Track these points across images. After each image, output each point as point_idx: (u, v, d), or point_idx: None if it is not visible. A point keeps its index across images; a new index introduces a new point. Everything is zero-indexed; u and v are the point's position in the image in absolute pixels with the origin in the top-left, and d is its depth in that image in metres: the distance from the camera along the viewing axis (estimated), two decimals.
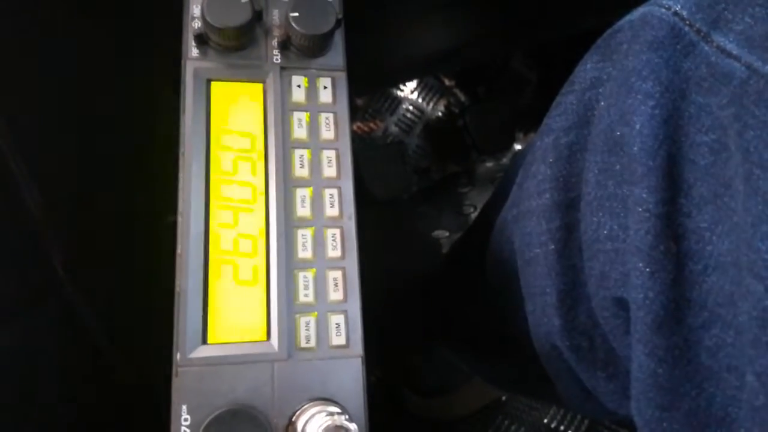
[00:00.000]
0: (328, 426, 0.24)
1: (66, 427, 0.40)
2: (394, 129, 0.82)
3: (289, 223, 0.28)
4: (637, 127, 0.25)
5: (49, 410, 0.38)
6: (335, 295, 0.28)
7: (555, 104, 0.32)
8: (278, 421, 0.25)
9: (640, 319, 0.25)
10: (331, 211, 0.29)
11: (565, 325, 0.31)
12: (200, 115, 0.28)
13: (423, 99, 0.83)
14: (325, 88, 0.31)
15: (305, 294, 0.27)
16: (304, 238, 0.28)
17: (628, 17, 0.29)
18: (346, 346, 0.27)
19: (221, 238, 0.27)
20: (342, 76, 0.31)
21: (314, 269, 0.28)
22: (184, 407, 0.24)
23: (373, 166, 0.72)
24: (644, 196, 0.25)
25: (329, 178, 0.29)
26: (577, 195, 0.30)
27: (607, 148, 0.28)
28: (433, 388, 0.72)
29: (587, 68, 0.30)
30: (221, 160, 0.28)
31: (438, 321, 0.61)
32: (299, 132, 0.30)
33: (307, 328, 0.27)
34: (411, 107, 0.83)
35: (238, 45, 0.30)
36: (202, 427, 0.24)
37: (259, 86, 0.30)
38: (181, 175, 0.27)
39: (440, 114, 0.83)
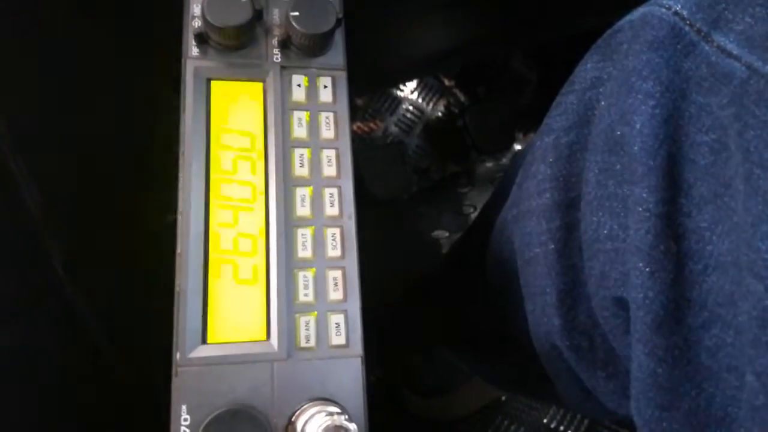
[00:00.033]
0: (327, 426, 0.24)
1: (66, 427, 0.40)
2: (394, 129, 0.82)
3: (288, 223, 0.28)
4: (638, 126, 0.25)
5: (49, 410, 0.38)
6: (335, 294, 0.28)
7: (555, 104, 0.32)
8: (278, 421, 0.25)
9: (639, 318, 0.25)
10: (331, 211, 0.29)
11: (564, 324, 0.31)
12: (200, 115, 0.28)
13: (423, 99, 0.83)
14: (325, 87, 0.31)
15: (305, 293, 0.27)
16: (304, 237, 0.28)
17: (628, 17, 0.29)
18: (346, 345, 0.27)
19: (221, 237, 0.27)
20: (342, 76, 0.31)
21: (314, 269, 0.28)
22: (184, 407, 0.24)
23: (373, 166, 0.72)
24: (644, 195, 0.25)
25: (329, 178, 0.29)
26: (577, 195, 0.30)
27: (607, 147, 0.28)
28: (432, 388, 0.72)
29: (587, 68, 0.30)
30: (221, 159, 0.28)
31: (438, 321, 0.61)
32: (299, 131, 0.30)
33: (306, 328, 0.27)
34: (411, 107, 0.83)
35: (238, 44, 0.30)
36: (201, 427, 0.24)
37: (259, 85, 0.30)
38: (181, 174, 0.27)
39: (440, 114, 0.83)
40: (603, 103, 0.29)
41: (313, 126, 0.30)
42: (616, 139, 0.27)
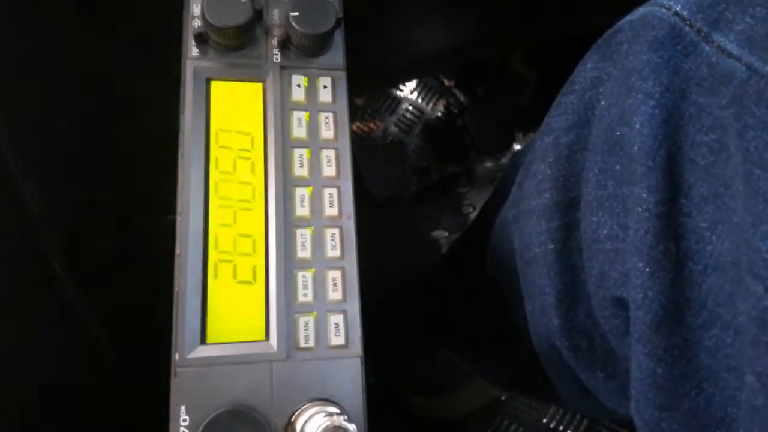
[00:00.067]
0: (327, 426, 0.24)
1: (66, 427, 0.40)
2: (393, 129, 0.82)
3: (288, 223, 0.28)
4: (637, 127, 0.25)
5: (48, 410, 0.38)
6: (334, 294, 0.28)
7: (555, 104, 0.32)
8: (277, 421, 0.25)
9: (639, 318, 0.25)
10: (331, 211, 0.29)
11: (564, 324, 0.31)
12: (200, 115, 0.28)
13: (422, 99, 0.83)
14: (325, 87, 0.31)
15: (304, 294, 0.27)
16: (304, 237, 0.28)
17: (628, 17, 0.29)
18: (346, 346, 0.27)
19: (220, 237, 0.27)
20: (342, 76, 0.31)
21: (313, 269, 0.28)
22: (183, 408, 0.24)
23: (372, 166, 0.72)
24: (644, 195, 0.25)
25: (329, 178, 0.29)
26: (577, 195, 0.30)
27: (607, 147, 0.28)
28: (433, 387, 0.72)
29: (588, 68, 0.30)
30: (221, 159, 0.28)
31: (438, 321, 0.61)
32: (299, 131, 0.30)
33: (306, 328, 0.27)
34: (410, 107, 0.83)
35: (238, 44, 0.30)
36: (200, 428, 0.24)
37: (259, 85, 0.30)
38: (180, 174, 0.27)
39: (440, 114, 0.83)
40: (603, 103, 0.29)
41: (313, 126, 0.30)
42: (615, 140, 0.27)
